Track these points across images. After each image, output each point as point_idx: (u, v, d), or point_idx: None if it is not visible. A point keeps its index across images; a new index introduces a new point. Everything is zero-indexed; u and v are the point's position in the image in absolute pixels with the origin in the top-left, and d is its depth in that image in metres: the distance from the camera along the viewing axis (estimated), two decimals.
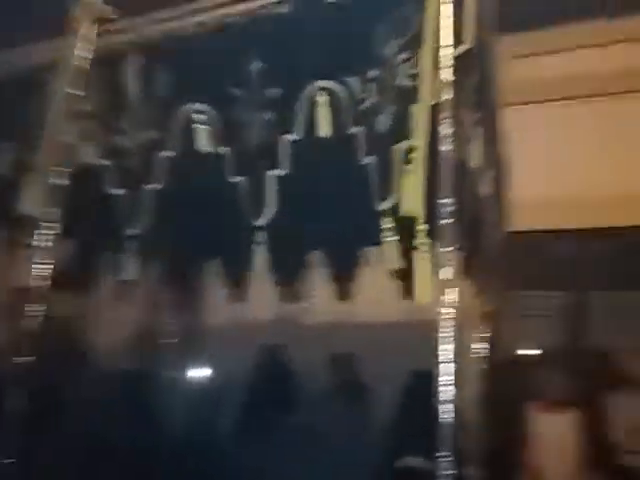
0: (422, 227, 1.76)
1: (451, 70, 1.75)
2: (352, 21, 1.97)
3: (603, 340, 5.25)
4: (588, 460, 4.50)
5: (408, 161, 1.78)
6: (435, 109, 1.78)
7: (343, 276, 3.40)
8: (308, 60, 2.02)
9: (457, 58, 1.78)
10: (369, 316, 4.15)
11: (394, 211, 1.84)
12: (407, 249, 2.00)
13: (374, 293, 4.06)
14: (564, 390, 4.65)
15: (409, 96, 1.85)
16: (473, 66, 1.81)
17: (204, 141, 2.27)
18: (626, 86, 4.89)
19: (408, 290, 3.25)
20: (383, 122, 1.87)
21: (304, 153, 2.04)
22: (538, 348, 5.50)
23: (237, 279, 2.88)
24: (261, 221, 2.10)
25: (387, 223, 1.86)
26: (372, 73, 1.92)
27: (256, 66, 2.12)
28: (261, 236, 2.12)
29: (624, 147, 4.92)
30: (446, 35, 1.78)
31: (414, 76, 1.84)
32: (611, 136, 4.94)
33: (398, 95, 1.87)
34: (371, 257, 3.15)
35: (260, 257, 2.13)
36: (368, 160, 1.88)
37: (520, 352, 5.38)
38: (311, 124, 2.00)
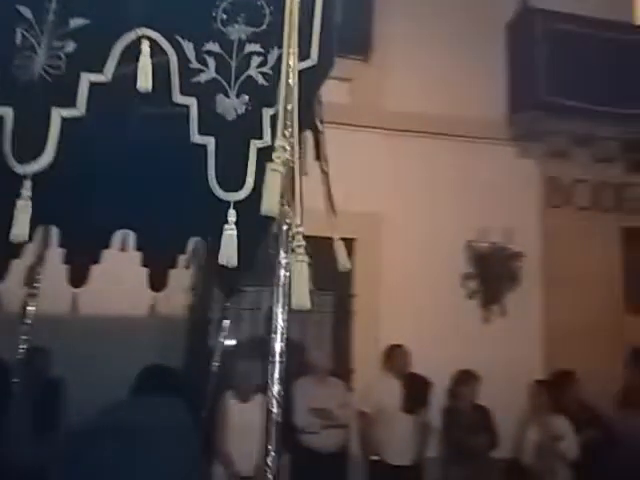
0: (299, 229, 1.69)
1: (296, 80, 1.77)
2: None
3: (291, 331, 5.83)
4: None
5: (270, 159, 1.72)
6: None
7: (84, 260, 3.02)
8: (132, 2, 1.75)
9: (302, 71, 1.80)
10: (105, 306, 3.79)
11: (243, 204, 1.73)
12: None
13: (119, 281, 3.74)
14: (253, 377, 5.00)
15: (262, 94, 1.79)
16: (315, 81, 1.86)
17: None
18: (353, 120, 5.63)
19: (160, 282, 3.07)
20: (227, 106, 1.75)
21: (108, 100, 1.75)
22: (235, 339, 5.81)
23: None
24: (29, 168, 1.69)
25: (231, 215, 1.72)
26: (210, 46, 1.79)
27: None
28: (26, 186, 1.69)
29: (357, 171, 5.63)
30: (294, 44, 1.78)
31: (266, 75, 1.79)
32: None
33: (249, 87, 1.78)
34: (127, 243, 2.90)
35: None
36: (202, 140, 1.73)
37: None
38: (126, 73, 1.72)
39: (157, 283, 3.05)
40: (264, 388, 5.14)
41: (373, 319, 5.76)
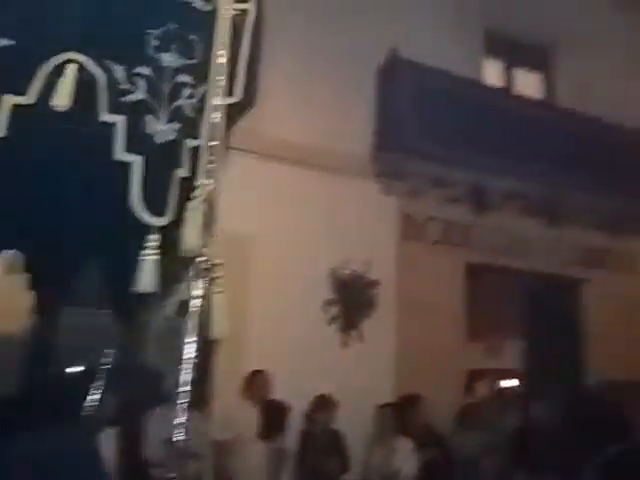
0: (220, 261, 1.69)
1: (220, 116, 1.80)
2: (124, 8, 1.73)
3: (148, 358, 5.59)
4: (124, 474, 4.66)
5: (189, 190, 1.70)
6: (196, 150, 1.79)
7: None
8: (62, 26, 1.67)
9: (224, 106, 1.84)
10: None
11: (164, 230, 1.67)
12: None
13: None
14: (104, 407, 4.72)
15: (189, 125, 1.77)
16: (236, 116, 1.90)
17: None
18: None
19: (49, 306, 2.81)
20: (157, 129, 1.69)
21: (33, 123, 1.68)
22: (84, 365, 5.42)
23: None
24: None
25: (152, 240, 1.67)
26: (140, 69, 1.74)
27: None
28: None
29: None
30: (220, 81, 1.81)
31: (194, 108, 1.78)
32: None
33: (178, 115, 1.75)
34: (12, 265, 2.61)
35: None
36: (128, 157, 1.65)
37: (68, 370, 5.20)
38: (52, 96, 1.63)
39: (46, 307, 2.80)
40: (114, 421, 4.85)
41: (237, 345, 5.70)
